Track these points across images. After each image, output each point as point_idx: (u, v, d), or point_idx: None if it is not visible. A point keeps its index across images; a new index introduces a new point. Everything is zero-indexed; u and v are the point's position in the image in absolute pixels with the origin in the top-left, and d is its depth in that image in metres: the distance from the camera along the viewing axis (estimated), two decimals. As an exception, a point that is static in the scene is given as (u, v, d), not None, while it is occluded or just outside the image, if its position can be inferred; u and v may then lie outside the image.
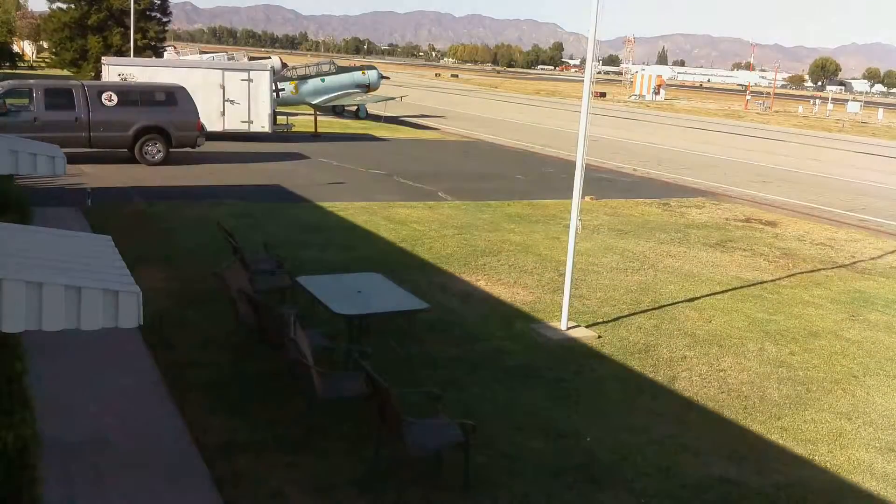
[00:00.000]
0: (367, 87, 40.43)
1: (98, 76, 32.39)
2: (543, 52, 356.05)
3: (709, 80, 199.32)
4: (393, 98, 41.97)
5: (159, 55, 45.86)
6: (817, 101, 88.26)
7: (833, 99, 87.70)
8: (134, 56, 37.18)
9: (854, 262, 15.17)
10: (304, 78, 38.59)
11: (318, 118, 33.39)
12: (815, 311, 11.74)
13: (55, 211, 14.58)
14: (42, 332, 4.21)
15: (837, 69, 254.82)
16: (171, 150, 21.14)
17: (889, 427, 7.96)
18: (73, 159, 16.03)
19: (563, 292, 10.05)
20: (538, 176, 23.98)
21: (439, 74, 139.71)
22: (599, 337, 9.84)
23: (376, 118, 39.77)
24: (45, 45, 56.67)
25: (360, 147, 28.57)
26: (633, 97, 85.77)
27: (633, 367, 8.97)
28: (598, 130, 38.70)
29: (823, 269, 14.44)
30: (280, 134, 29.14)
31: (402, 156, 26.78)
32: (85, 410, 7.11)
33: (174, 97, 21.28)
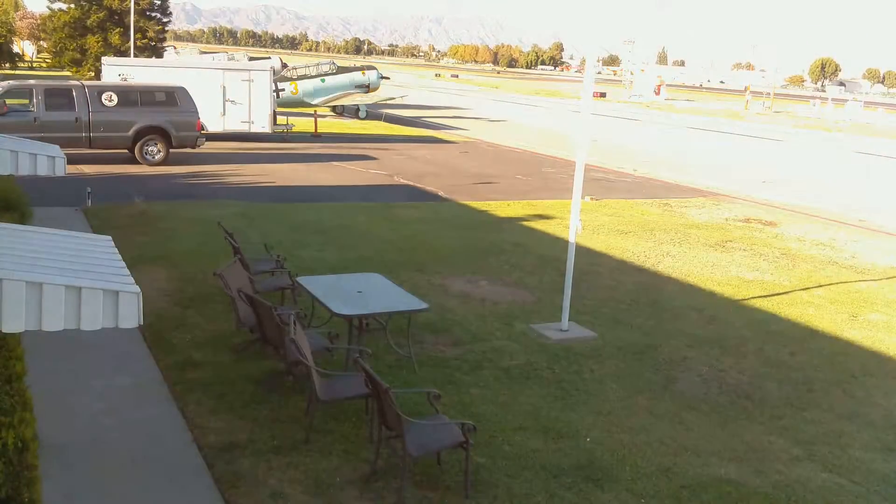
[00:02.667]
0: (367, 88, 40.48)
1: (98, 76, 32.41)
2: (543, 52, 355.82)
3: (708, 81, 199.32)
4: (393, 98, 42.00)
5: (159, 55, 45.89)
6: (817, 101, 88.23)
7: (833, 99, 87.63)
8: (134, 56, 37.21)
9: (854, 262, 15.16)
10: (304, 78, 38.62)
11: (316, 118, 33.40)
12: (815, 311, 11.74)
13: (55, 211, 14.59)
14: (42, 333, 4.21)
15: (837, 69, 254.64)
16: (171, 150, 21.16)
17: (889, 427, 7.96)
18: (73, 160, 16.03)
19: (563, 292, 10.05)
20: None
21: (439, 75, 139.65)
22: (599, 337, 9.84)
23: (377, 116, 39.80)
24: (45, 45, 56.65)
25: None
26: (633, 97, 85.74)
27: (633, 368, 8.97)
28: (598, 131, 38.70)
29: (823, 269, 14.44)
30: (280, 135, 29.15)
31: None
32: (85, 410, 7.11)
33: (174, 97, 21.29)
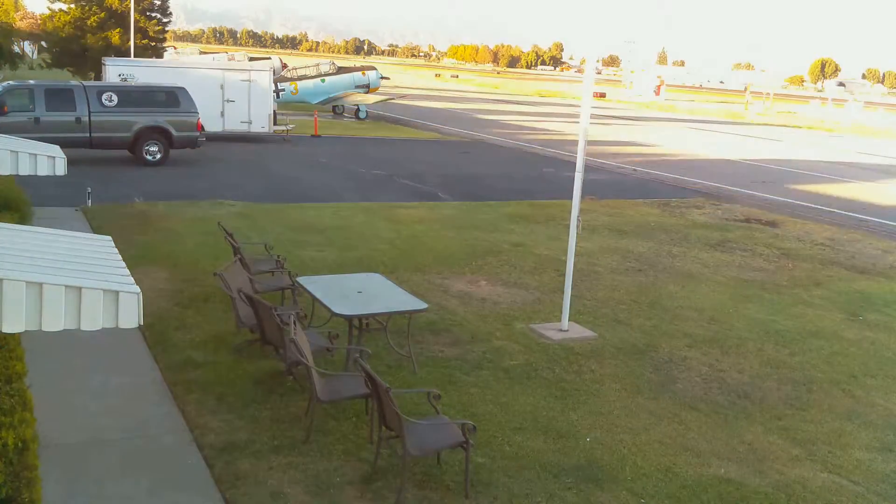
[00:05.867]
0: (367, 88, 40.48)
1: (98, 76, 32.41)
2: (543, 52, 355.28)
3: (708, 81, 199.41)
4: (392, 98, 42.01)
5: (160, 55, 45.86)
6: (817, 101, 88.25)
7: (833, 99, 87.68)
8: (134, 56, 37.21)
9: (854, 263, 15.16)
10: (304, 78, 38.62)
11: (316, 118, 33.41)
12: (815, 311, 11.74)
13: (55, 211, 14.60)
14: (42, 332, 4.21)
15: (837, 69, 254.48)
16: (171, 150, 21.18)
17: (889, 427, 7.96)
18: (73, 160, 16.04)
19: (563, 292, 10.05)
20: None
21: (439, 75, 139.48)
22: (599, 337, 9.85)
23: (377, 117, 39.79)
24: (45, 44, 56.67)
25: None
26: (633, 97, 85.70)
27: (633, 368, 8.97)
28: (598, 131, 38.70)
29: (823, 269, 14.44)
30: (279, 135, 29.11)
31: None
32: (85, 410, 7.12)
33: (175, 97, 21.29)
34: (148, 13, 45.37)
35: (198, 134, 21.44)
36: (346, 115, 41.18)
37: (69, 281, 4.17)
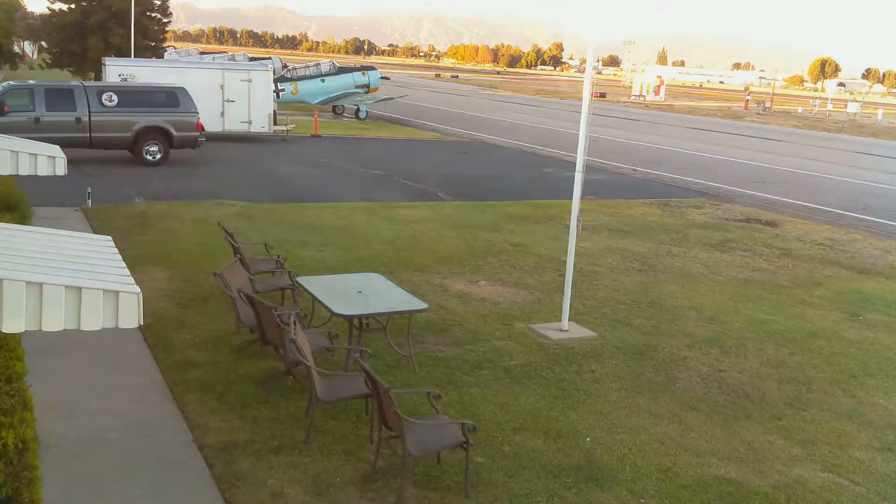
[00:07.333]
0: (367, 88, 40.51)
1: (98, 76, 32.41)
2: (543, 52, 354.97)
3: (708, 81, 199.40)
4: (392, 98, 42.04)
5: (160, 56, 45.85)
6: (817, 101, 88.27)
7: (833, 99, 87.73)
8: (134, 56, 37.22)
9: (854, 263, 15.16)
10: (304, 78, 38.64)
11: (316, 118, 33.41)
12: (815, 311, 11.74)
13: (55, 211, 14.60)
14: (42, 332, 4.21)
15: (837, 69, 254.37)
16: (171, 150, 21.18)
17: (889, 427, 7.96)
18: (73, 160, 16.04)
19: (563, 292, 10.05)
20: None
21: (439, 75, 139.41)
22: (599, 337, 9.85)
23: (377, 117, 39.79)
24: (45, 44, 56.66)
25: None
26: (633, 97, 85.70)
27: (633, 368, 8.98)
28: (598, 130, 38.68)
29: (823, 269, 14.43)
30: (279, 135, 29.11)
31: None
32: (85, 410, 7.12)
33: (175, 98, 21.30)
34: (148, 13, 45.35)
35: (198, 134, 21.45)
36: (346, 115, 41.18)
37: (69, 281, 4.17)
